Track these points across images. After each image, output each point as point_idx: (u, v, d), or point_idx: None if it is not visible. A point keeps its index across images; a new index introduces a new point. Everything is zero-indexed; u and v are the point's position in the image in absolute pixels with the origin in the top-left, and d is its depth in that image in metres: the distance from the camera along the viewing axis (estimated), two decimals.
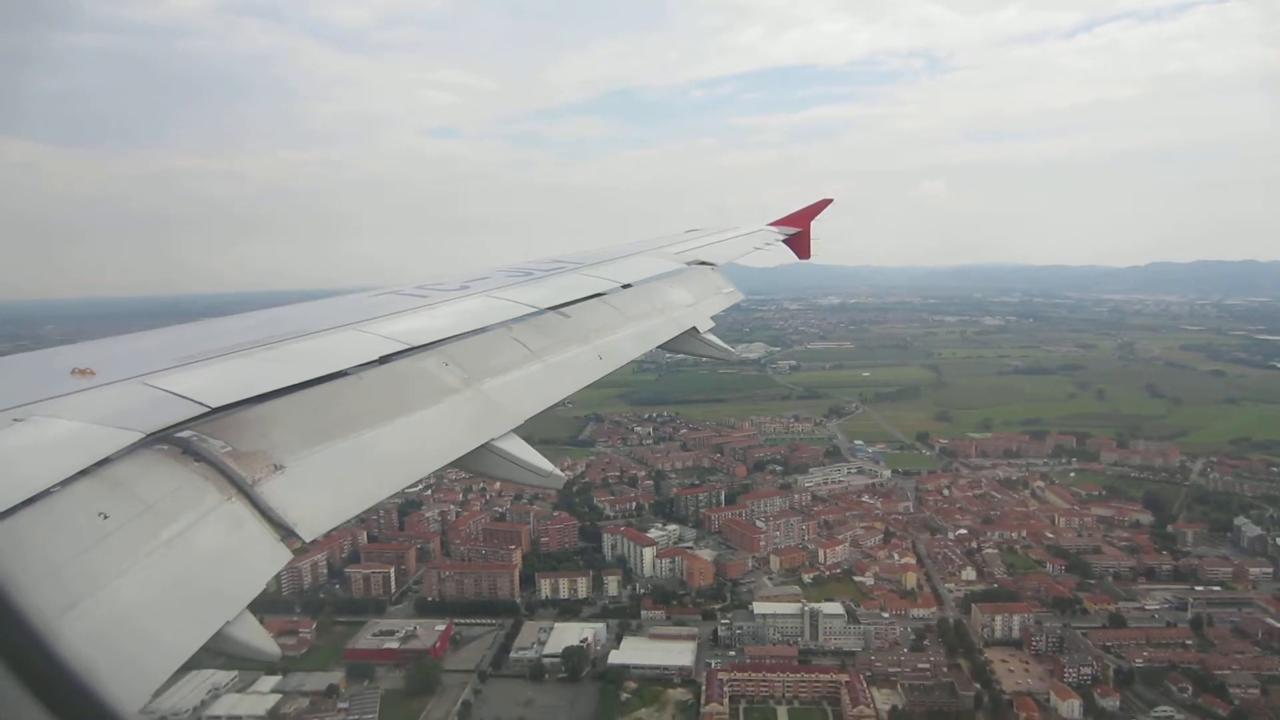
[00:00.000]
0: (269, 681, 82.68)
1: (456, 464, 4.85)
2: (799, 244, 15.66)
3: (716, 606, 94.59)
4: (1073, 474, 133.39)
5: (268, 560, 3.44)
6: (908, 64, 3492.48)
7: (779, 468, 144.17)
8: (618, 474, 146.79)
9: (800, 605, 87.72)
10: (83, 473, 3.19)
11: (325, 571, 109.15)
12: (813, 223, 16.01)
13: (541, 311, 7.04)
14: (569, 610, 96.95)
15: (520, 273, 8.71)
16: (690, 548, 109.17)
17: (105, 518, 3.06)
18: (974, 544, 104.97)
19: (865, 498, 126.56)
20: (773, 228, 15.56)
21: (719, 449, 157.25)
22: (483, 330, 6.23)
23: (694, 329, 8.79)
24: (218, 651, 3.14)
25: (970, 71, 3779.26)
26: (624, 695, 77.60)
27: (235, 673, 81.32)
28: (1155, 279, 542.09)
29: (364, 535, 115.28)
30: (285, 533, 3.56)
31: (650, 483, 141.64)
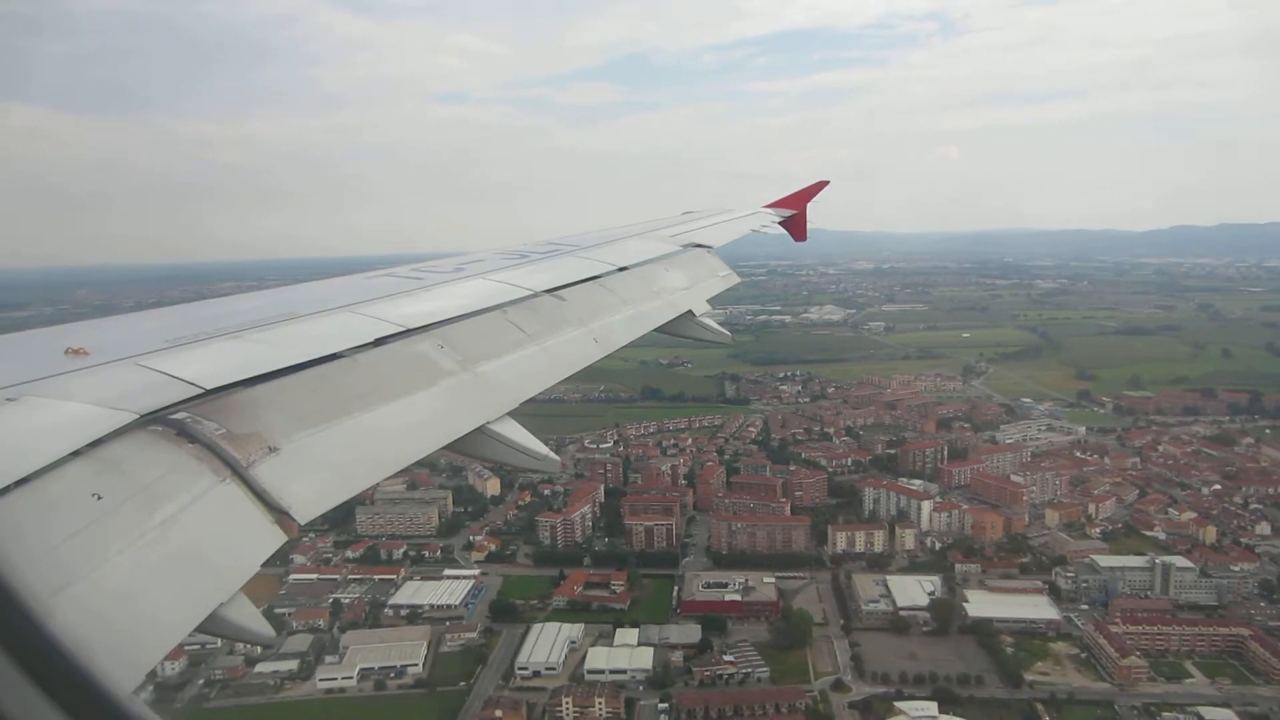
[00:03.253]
0: (628, 634, 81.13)
1: (452, 447, 4.81)
2: (795, 226, 15.83)
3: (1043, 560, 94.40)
4: (1267, 430, 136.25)
5: (262, 542, 3.40)
6: (921, 27, 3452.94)
7: (965, 425, 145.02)
8: (803, 430, 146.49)
9: (1149, 558, 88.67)
10: (76, 453, 3.17)
11: (590, 526, 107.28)
12: (809, 204, 16.15)
13: (537, 295, 6.99)
14: (875, 563, 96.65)
15: (516, 255, 8.68)
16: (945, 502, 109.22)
17: (99, 498, 3.04)
18: (1238, 499, 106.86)
19: (1077, 453, 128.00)
20: (769, 210, 15.63)
21: (892, 405, 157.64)
22: (478, 313, 6.17)
23: (689, 312, 8.73)
24: (212, 633, 3.12)
25: (985, 34, 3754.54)
26: (1007, 649, 77.82)
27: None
28: (1179, 242, 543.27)
29: (600, 489, 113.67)
30: (279, 515, 3.52)
31: (847, 439, 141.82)
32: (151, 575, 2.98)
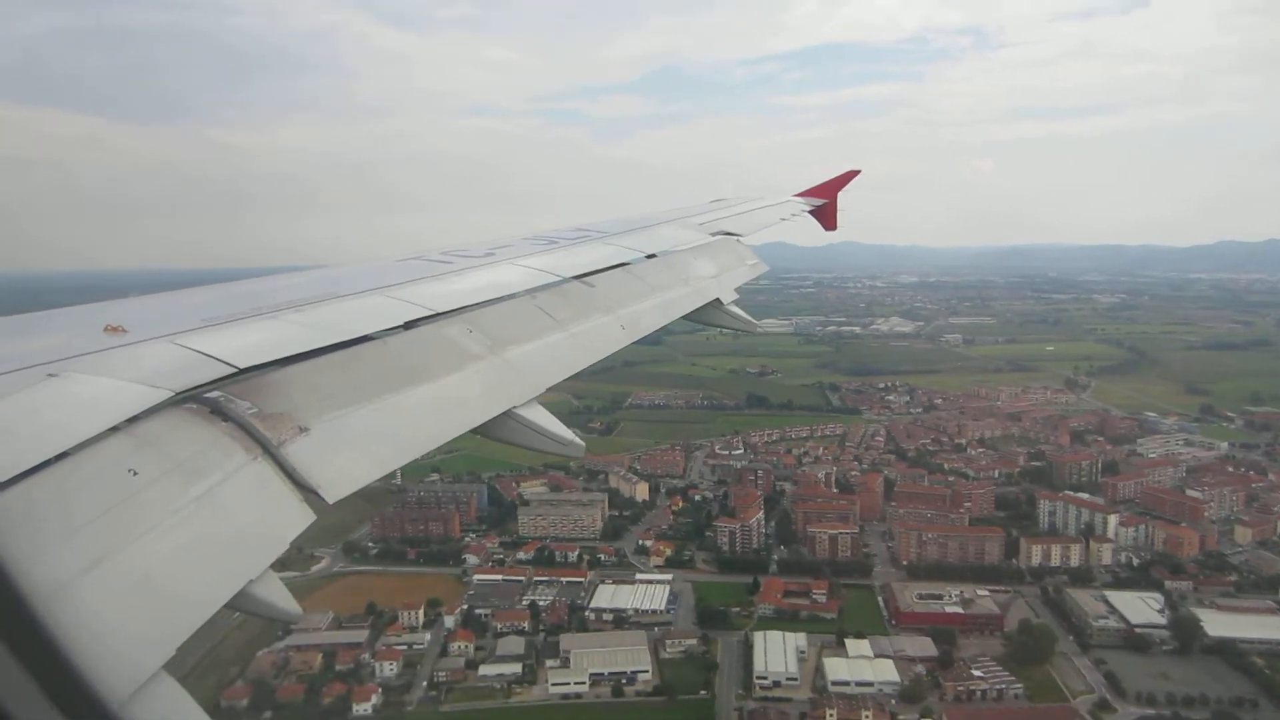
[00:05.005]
0: (858, 645, 78.79)
1: (478, 430, 4.80)
2: (825, 215, 15.36)
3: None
4: None
5: (291, 520, 3.44)
6: (956, 41, 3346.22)
7: (1098, 438, 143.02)
8: (931, 441, 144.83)
9: None
10: (114, 429, 3.24)
11: (765, 533, 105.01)
12: (840, 194, 15.74)
13: (565, 280, 6.96)
14: (1075, 578, 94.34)
15: (545, 241, 8.60)
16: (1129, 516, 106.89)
17: (135, 474, 3.10)
18: None
19: (1229, 469, 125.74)
20: (799, 199, 15.26)
21: (1015, 417, 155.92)
22: (507, 298, 6.16)
23: (717, 300, 8.65)
24: (240, 609, 3.17)
25: (1020, 48, 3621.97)
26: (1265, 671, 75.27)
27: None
28: (1227, 257, 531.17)
29: (758, 501, 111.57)
30: (309, 494, 3.54)
31: (983, 450, 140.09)
32: (184, 551, 3.02)
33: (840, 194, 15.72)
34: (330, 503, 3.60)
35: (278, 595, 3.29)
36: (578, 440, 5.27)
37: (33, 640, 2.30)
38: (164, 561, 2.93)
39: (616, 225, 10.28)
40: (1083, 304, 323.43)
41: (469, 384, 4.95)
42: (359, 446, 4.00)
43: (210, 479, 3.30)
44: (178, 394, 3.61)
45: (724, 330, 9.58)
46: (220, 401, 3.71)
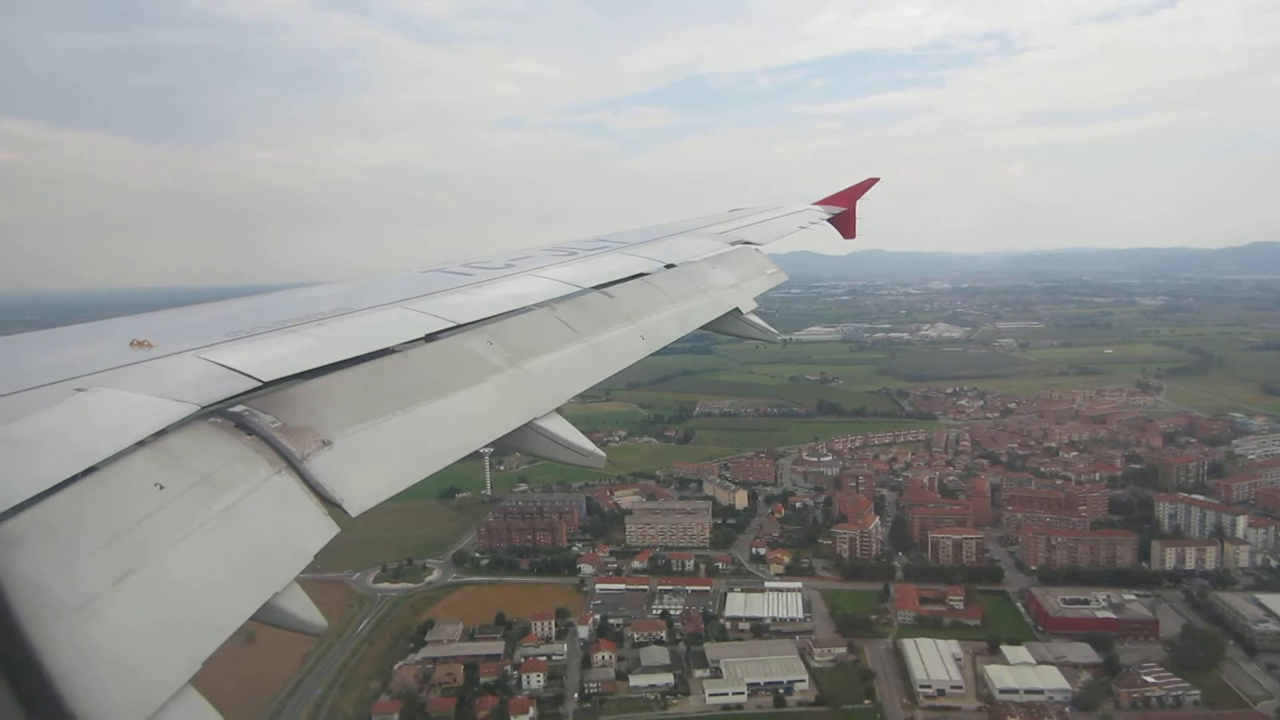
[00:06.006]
0: (1015, 652, 76.82)
1: (500, 442, 4.79)
2: (844, 223, 15.27)
3: None
4: None
5: (315, 534, 3.46)
6: (980, 46, 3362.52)
7: (1190, 439, 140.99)
8: (1019, 445, 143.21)
9: None
10: (140, 443, 3.29)
11: (882, 540, 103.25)
12: (859, 202, 15.58)
13: (585, 291, 6.92)
14: (1213, 581, 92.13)
15: (564, 252, 8.57)
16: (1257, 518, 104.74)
17: (161, 488, 3.14)
18: None
19: None
20: (818, 207, 15.13)
21: (1100, 420, 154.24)
22: (527, 309, 6.14)
23: (736, 310, 8.62)
24: (266, 621, 3.19)
25: (1045, 52, 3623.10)
26: None
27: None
28: (1260, 259, 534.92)
29: (870, 508, 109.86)
30: (332, 507, 3.57)
31: (1075, 453, 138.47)
32: (209, 564, 3.05)
33: (859, 201, 15.58)
34: (353, 516, 3.60)
35: (302, 608, 3.28)
36: (598, 451, 5.24)
37: (26, 671, 2.31)
38: (190, 575, 2.95)
39: (635, 235, 10.25)
40: (1126, 307, 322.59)
41: (490, 396, 4.93)
42: (381, 459, 4.02)
43: (235, 493, 3.33)
44: (203, 408, 3.66)
45: (757, 341, 9.58)
46: (245, 416, 3.74)
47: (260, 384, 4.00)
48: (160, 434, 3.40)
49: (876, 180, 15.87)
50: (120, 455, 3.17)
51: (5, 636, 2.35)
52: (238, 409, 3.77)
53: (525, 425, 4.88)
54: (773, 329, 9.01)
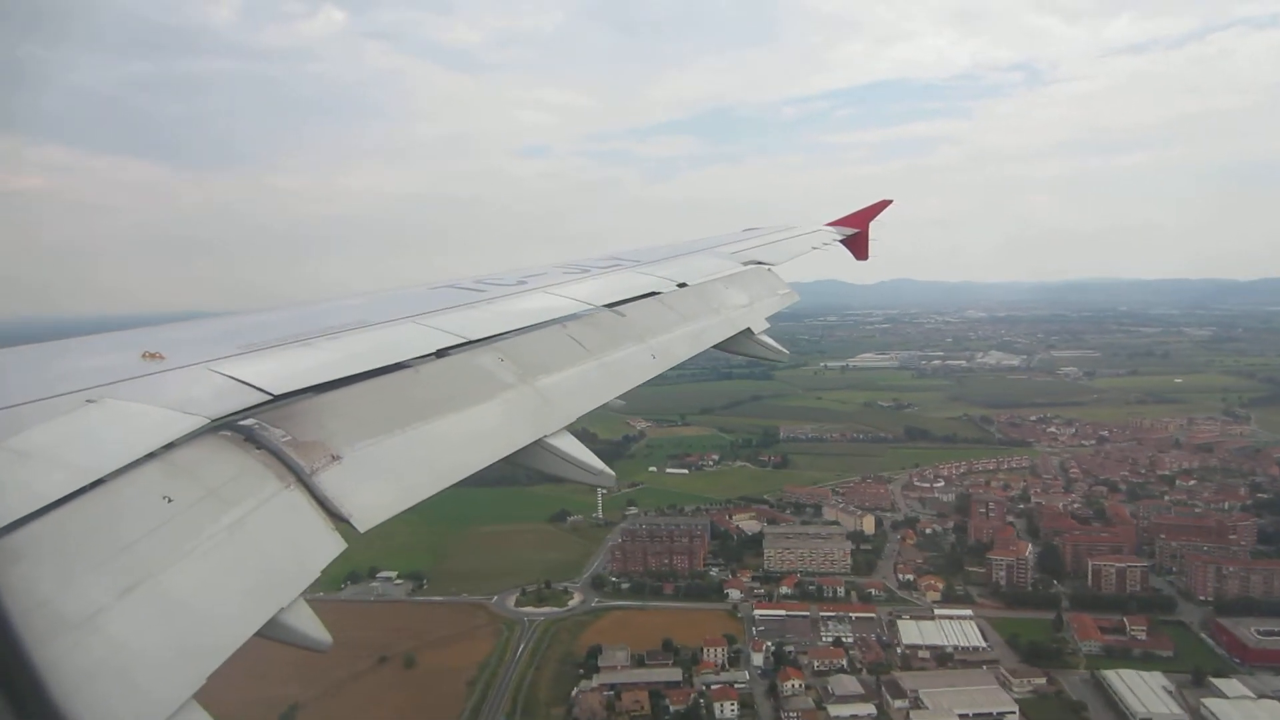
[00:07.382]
0: (1228, 685, 73.70)
1: (509, 459, 4.74)
2: (857, 245, 15.23)
3: None
4: None
5: (322, 549, 3.42)
6: (1007, 77, 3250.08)
7: None
8: (1130, 472, 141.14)
9: None
10: (150, 456, 3.27)
11: (1030, 566, 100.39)
12: (872, 224, 15.48)
13: (597, 309, 6.90)
14: None
15: (577, 269, 8.54)
16: None
17: (169, 501, 3.12)
18: None
19: None
20: (831, 228, 15.04)
21: (1207, 448, 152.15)
22: (539, 326, 6.10)
23: (748, 330, 8.57)
24: (272, 637, 3.15)
25: (1073, 83, 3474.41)
26: None
27: None
28: None
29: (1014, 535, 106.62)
30: (340, 522, 3.53)
31: (1194, 482, 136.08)
32: (216, 578, 3.02)
33: (873, 224, 15.46)
34: (361, 531, 3.53)
35: (309, 624, 3.23)
36: (608, 470, 5.17)
37: (26, 687, 2.30)
38: (196, 588, 2.91)
39: (648, 254, 10.20)
40: (1175, 337, 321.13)
41: (500, 412, 4.86)
42: (391, 475, 3.95)
43: (243, 507, 3.29)
44: (213, 421, 3.61)
45: (769, 360, 9.30)
46: (254, 429, 3.69)
47: (271, 397, 3.93)
48: (169, 446, 3.36)
49: (890, 202, 15.87)
50: (129, 468, 3.12)
51: (5, 652, 2.31)
52: (248, 422, 3.72)
53: (535, 443, 4.82)
54: (783, 348, 8.93)
